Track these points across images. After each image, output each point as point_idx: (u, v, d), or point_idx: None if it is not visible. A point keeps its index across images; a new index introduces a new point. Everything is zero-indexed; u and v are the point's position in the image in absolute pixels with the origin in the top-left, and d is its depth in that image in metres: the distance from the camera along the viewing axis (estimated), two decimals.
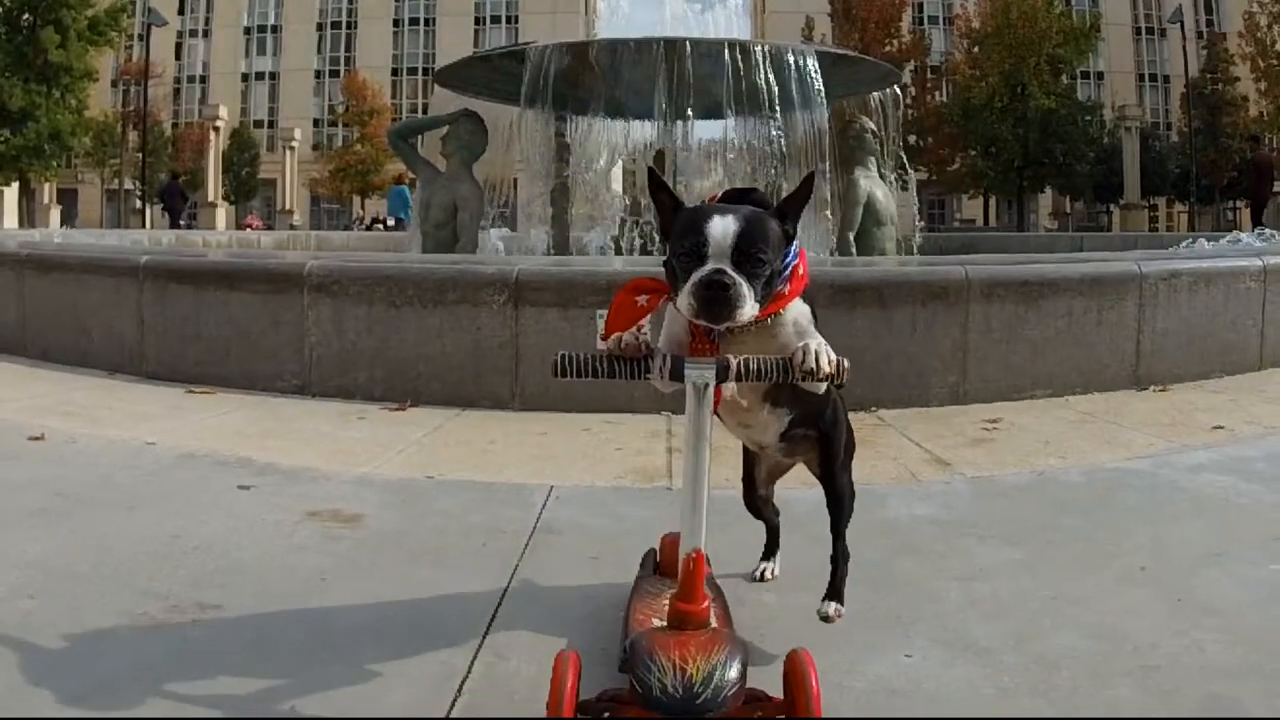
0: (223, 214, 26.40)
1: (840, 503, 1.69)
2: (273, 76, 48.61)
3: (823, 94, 7.07)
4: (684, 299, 1.32)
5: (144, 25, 30.77)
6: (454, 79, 8.42)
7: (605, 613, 1.81)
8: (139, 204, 29.44)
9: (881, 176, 7.58)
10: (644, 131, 8.52)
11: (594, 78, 7.07)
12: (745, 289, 1.31)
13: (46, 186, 28.58)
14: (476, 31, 48.24)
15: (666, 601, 1.42)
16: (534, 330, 3.76)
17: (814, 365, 1.33)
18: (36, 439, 3.15)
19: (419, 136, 8.72)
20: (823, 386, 1.42)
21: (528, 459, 3.04)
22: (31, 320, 5.00)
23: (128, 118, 34.38)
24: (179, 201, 22.25)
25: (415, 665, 1.64)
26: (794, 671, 1.30)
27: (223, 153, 30.32)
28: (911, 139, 29.23)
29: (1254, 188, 17.21)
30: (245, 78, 48.37)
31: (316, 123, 46.58)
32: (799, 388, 1.42)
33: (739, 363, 1.34)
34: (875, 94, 8.36)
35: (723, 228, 1.31)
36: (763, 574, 2.00)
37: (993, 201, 37.04)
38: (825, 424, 1.66)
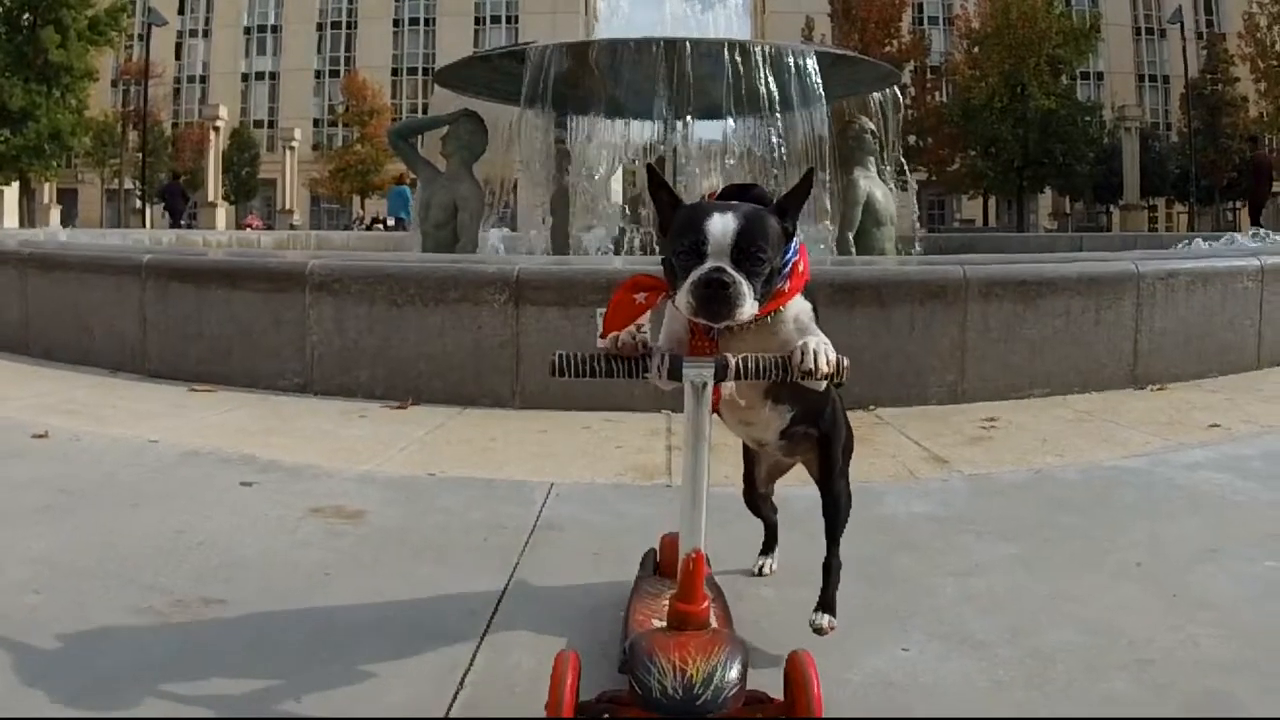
0: (223, 214, 26.41)
1: (836, 508, 1.68)
2: (273, 76, 48.62)
3: (822, 94, 7.08)
4: (683, 297, 1.32)
5: (144, 25, 30.77)
6: (454, 79, 8.43)
7: (605, 610, 1.82)
8: (139, 204, 29.44)
9: (881, 176, 7.60)
10: (644, 133, 8.54)
11: (594, 78, 7.08)
12: (745, 287, 1.30)
13: (46, 186, 28.57)
14: (476, 31, 48.26)
15: (666, 602, 1.42)
16: (534, 329, 3.78)
17: (813, 365, 1.32)
18: (40, 437, 3.17)
19: (419, 136, 8.73)
20: (824, 384, 1.41)
21: (528, 457, 3.06)
22: (34, 319, 5.02)
23: (128, 118, 34.39)
24: (180, 201, 22.27)
25: (417, 660, 1.65)
26: (795, 672, 1.30)
27: (223, 153, 30.33)
28: (911, 139, 29.25)
29: (1253, 188, 17.25)
30: (245, 78, 48.38)
31: (316, 123, 46.59)
32: (800, 384, 1.42)
33: (738, 361, 1.34)
34: (875, 95, 8.37)
35: (722, 225, 1.31)
36: (761, 569, 2.01)
37: (992, 202, 37.06)
38: (825, 423, 1.66)
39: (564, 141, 7.98)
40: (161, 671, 1.59)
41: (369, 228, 23.42)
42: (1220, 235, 9.77)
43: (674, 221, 1.37)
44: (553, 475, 2.80)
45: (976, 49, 31.72)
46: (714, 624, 1.40)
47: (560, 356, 1.36)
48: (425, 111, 26.44)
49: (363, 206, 37.44)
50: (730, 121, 8.06)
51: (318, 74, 48.31)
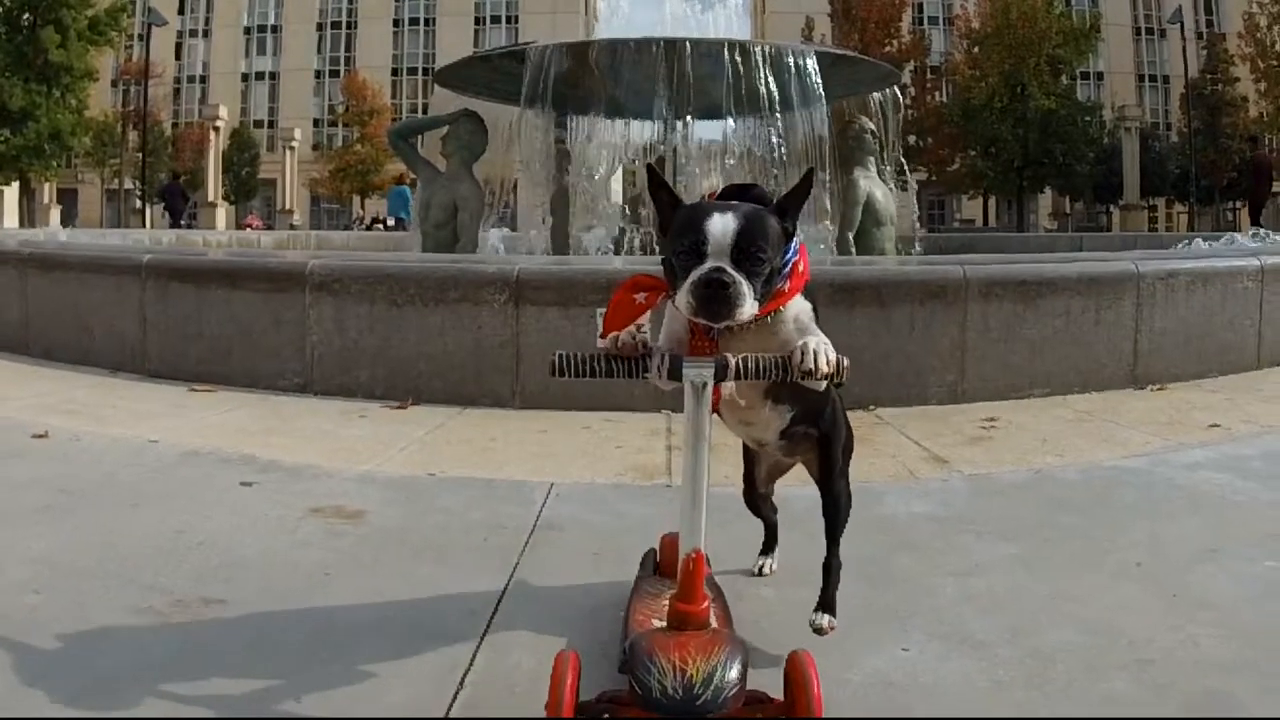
0: (223, 214, 26.41)
1: (836, 508, 1.68)
2: (273, 76, 48.62)
3: (822, 94, 7.08)
4: (683, 297, 1.32)
5: (144, 25, 30.77)
6: (454, 79, 8.43)
7: (605, 610, 1.82)
8: (139, 204, 29.44)
9: (881, 177, 7.60)
10: (644, 133, 8.54)
11: (594, 78, 7.08)
12: (745, 287, 1.30)
13: (46, 186, 28.57)
14: (476, 31, 48.26)
15: (666, 602, 1.42)
16: (535, 329, 3.78)
17: (812, 365, 1.32)
18: (40, 437, 3.17)
19: (419, 136, 8.74)
20: (824, 384, 1.41)
21: (528, 457, 3.06)
22: (34, 319, 5.02)
23: (128, 118, 34.39)
24: (180, 201, 22.28)
25: (417, 659, 1.65)
26: (795, 672, 1.30)
27: (223, 153, 30.34)
28: (911, 139, 29.25)
29: (1252, 188, 17.25)
30: (245, 78, 48.39)
31: (316, 123, 46.59)
32: (800, 384, 1.41)
33: (737, 361, 1.34)
34: (875, 95, 8.37)
35: (722, 225, 1.30)
36: (761, 569, 2.02)
37: (992, 202, 37.07)
38: (825, 423, 1.66)
39: (564, 142, 7.98)
40: (161, 671, 1.59)
41: (369, 228, 23.43)
42: (1220, 235, 9.77)
43: (674, 221, 1.37)
44: (553, 475, 2.80)
45: (976, 49, 31.73)
46: (714, 624, 1.40)
47: (560, 356, 1.36)
48: (425, 111, 26.44)
49: (363, 206, 37.45)
50: (730, 122, 8.07)
51: (318, 74, 48.31)
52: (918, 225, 11.33)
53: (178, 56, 47.21)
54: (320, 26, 48.91)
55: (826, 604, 1.67)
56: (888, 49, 30.76)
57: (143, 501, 2.51)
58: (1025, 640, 1.73)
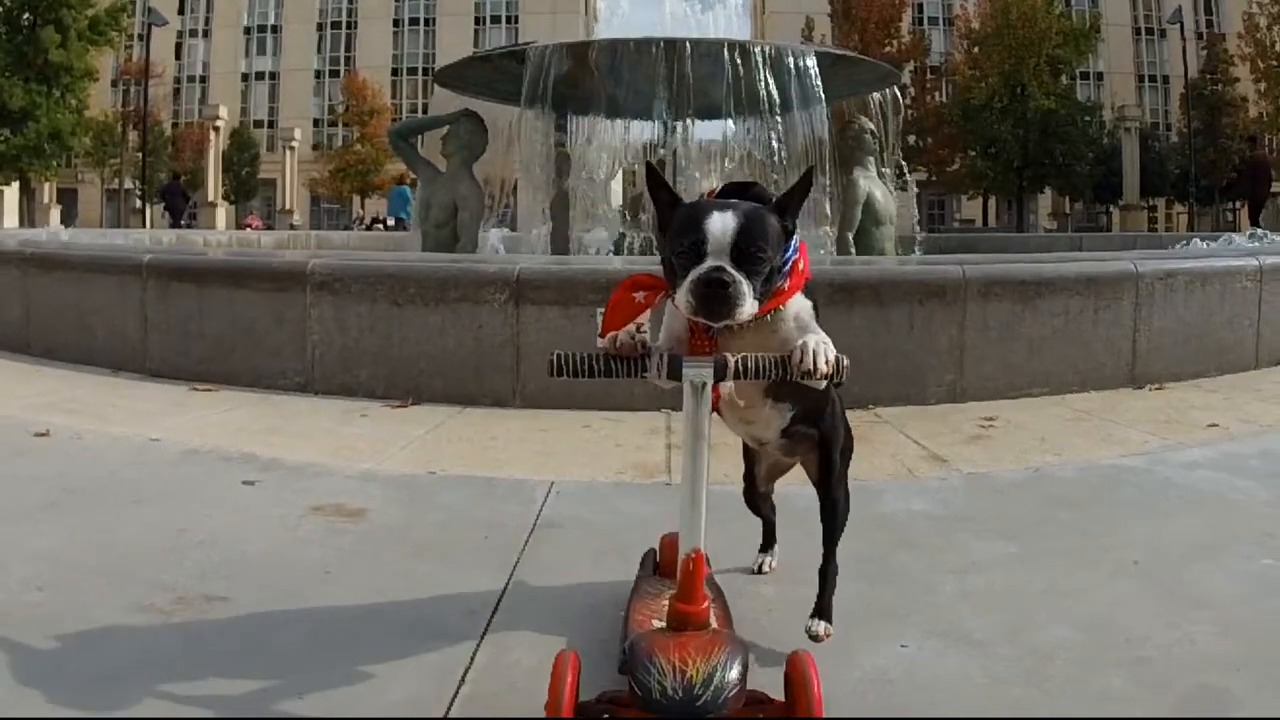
0: (223, 214, 26.44)
1: (834, 512, 1.68)
2: (273, 76, 48.61)
3: (822, 95, 7.09)
4: (682, 296, 1.32)
5: (144, 25, 30.76)
6: (454, 79, 8.44)
7: (605, 608, 1.82)
8: (139, 204, 29.45)
9: (880, 176, 7.61)
10: (644, 133, 8.54)
11: (594, 78, 7.09)
12: (745, 286, 1.30)
13: (46, 186, 28.59)
14: (476, 31, 48.24)
15: (666, 602, 1.42)
16: (535, 328, 3.79)
17: (812, 364, 1.32)
18: (42, 435, 3.18)
19: (419, 136, 8.75)
20: (824, 382, 1.41)
21: (529, 455, 3.07)
22: (35, 318, 5.03)
23: (128, 118, 34.37)
24: (180, 201, 22.30)
25: (417, 658, 1.66)
26: (795, 672, 1.30)
27: (223, 153, 30.36)
28: (911, 139, 29.26)
29: (1251, 189, 17.25)
30: (245, 78, 48.36)
31: (316, 123, 46.57)
32: (800, 383, 1.41)
33: (737, 361, 1.34)
34: (875, 95, 8.37)
35: (721, 224, 1.30)
36: (761, 567, 2.02)
37: (992, 202, 37.06)
38: (825, 425, 1.66)
39: (564, 145, 7.99)
40: (163, 669, 1.60)
41: (369, 228, 23.43)
42: (1219, 235, 9.78)
43: (673, 220, 1.37)
44: (553, 474, 2.81)
45: (976, 49, 31.71)
46: (714, 624, 1.40)
47: (559, 356, 1.36)
48: (425, 111, 26.48)
49: (363, 206, 37.43)
50: (730, 123, 8.08)
51: (318, 74, 48.29)
52: (917, 226, 11.33)
53: (178, 56, 47.17)
54: (320, 26, 48.88)
55: (822, 610, 1.68)
56: (888, 49, 30.75)
57: (144, 500, 2.52)
58: (1023, 637, 1.74)
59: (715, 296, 1.30)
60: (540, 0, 46.86)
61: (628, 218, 8.10)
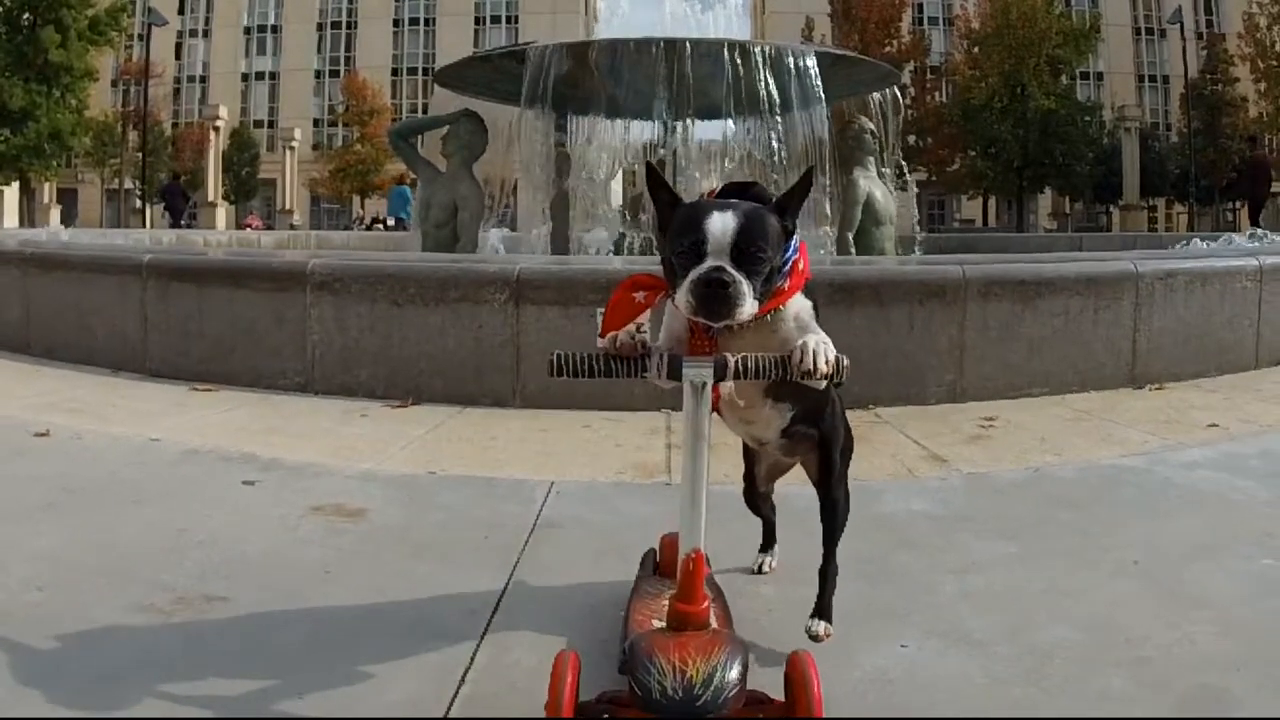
0: (223, 214, 26.45)
1: (834, 513, 1.68)
2: (273, 76, 48.61)
3: (822, 95, 7.09)
4: (682, 296, 1.32)
5: (144, 25, 30.76)
6: (454, 79, 8.44)
7: (606, 608, 1.82)
8: (139, 204, 29.45)
9: (880, 176, 7.61)
10: (644, 133, 8.55)
11: (594, 78, 7.09)
12: (745, 286, 1.30)
13: (46, 186, 28.59)
14: (476, 31, 48.24)
15: (666, 602, 1.42)
16: (535, 328, 3.79)
17: (811, 365, 1.32)
18: (42, 435, 3.18)
19: (419, 136, 8.75)
20: (824, 382, 1.41)
21: (529, 455, 3.07)
22: (35, 318, 5.03)
23: (128, 118, 34.37)
24: (180, 201, 22.31)
25: (417, 657, 1.66)
26: (795, 672, 1.30)
27: (223, 153, 30.36)
28: (911, 139, 29.26)
29: (1251, 189, 17.25)
30: (245, 78, 48.36)
31: (316, 123, 46.57)
32: (800, 383, 1.41)
33: (737, 361, 1.34)
34: (875, 95, 8.38)
35: (721, 224, 1.30)
36: (761, 567, 2.03)
37: (992, 202, 37.07)
38: (825, 425, 1.66)
39: (564, 145, 7.99)
40: (163, 669, 1.60)
41: (369, 228, 23.44)
42: (1219, 235, 9.79)
43: (673, 220, 1.36)
44: (553, 474, 2.81)
45: (976, 49, 31.72)
46: (714, 624, 1.40)
47: (559, 356, 1.36)
48: (425, 111, 26.48)
49: (363, 206, 37.43)
50: (730, 123, 8.08)
51: (318, 74, 48.29)
52: (917, 226, 11.34)
53: (178, 56, 47.17)
54: (320, 26, 48.88)
55: (822, 611, 1.68)
56: (888, 49, 30.75)
57: (144, 500, 2.52)
58: (1023, 637, 1.74)
59: (715, 296, 1.30)
60: (540, 0, 46.87)
61: (628, 218, 8.10)
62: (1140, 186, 27.75)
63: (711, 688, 1.22)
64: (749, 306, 1.31)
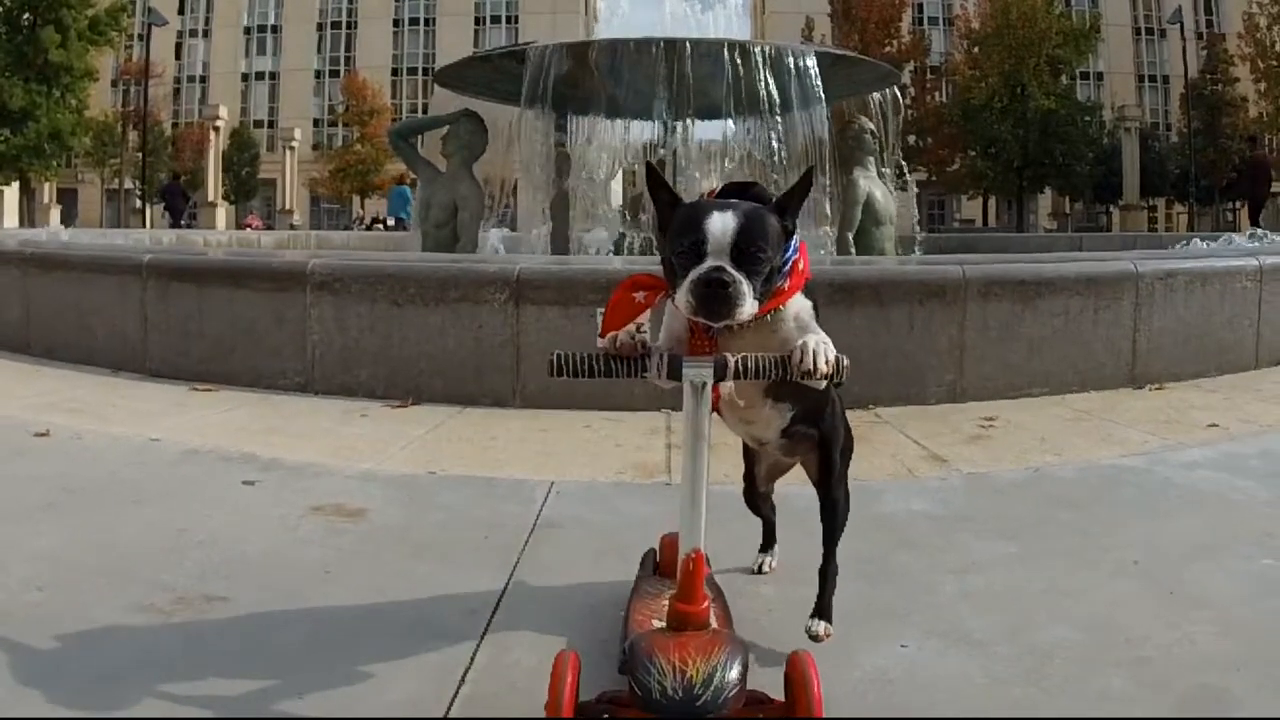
0: (223, 214, 26.45)
1: (834, 513, 1.68)
2: (273, 76, 48.60)
3: (822, 95, 7.09)
4: (682, 296, 1.32)
5: (144, 25, 30.76)
6: (454, 79, 8.44)
7: (606, 608, 1.82)
8: (139, 204, 29.46)
9: (880, 176, 7.61)
10: (644, 133, 8.55)
11: (594, 78, 7.10)
12: (745, 286, 1.30)
13: (46, 186, 28.59)
14: (476, 31, 48.24)
15: (666, 602, 1.42)
16: (535, 328, 3.79)
17: (811, 365, 1.32)
18: (42, 435, 3.18)
19: (419, 136, 8.75)
20: (824, 382, 1.40)
21: (529, 455, 3.07)
22: (35, 318, 5.03)
23: (128, 118, 34.37)
24: (180, 201, 22.32)
25: (418, 657, 1.66)
26: (795, 672, 1.30)
27: (223, 153, 30.36)
28: (911, 139, 29.26)
29: (1251, 189, 17.26)
30: (245, 78, 48.36)
31: (316, 123, 46.57)
32: (800, 383, 1.41)
33: (737, 361, 1.34)
34: (875, 95, 8.38)
35: (722, 224, 1.30)
36: (761, 566, 2.03)
37: (992, 202, 37.07)
38: (825, 425, 1.66)
39: (564, 145, 7.99)
40: (163, 669, 1.60)
41: (369, 228, 23.44)
42: (1219, 235, 9.79)
43: (673, 220, 1.36)
44: (553, 474, 2.81)
45: (976, 49, 31.72)
46: (714, 624, 1.40)
47: (559, 356, 1.36)
48: (425, 111, 26.47)
49: (363, 206, 37.43)
50: (730, 123, 8.08)
51: (318, 74, 48.29)
52: (917, 226, 11.34)
53: (178, 56, 47.17)
54: (320, 26, 48.88)
55: (822, 610, 1.68)
56: (888, 49, 30.75)
57: (145, 500, 2.52)
58: (1023, 637, 1.74)
59: (715, 296, 1.30)
60: (540, 0, 46.86)
61: (628, 218, 8.10)
62: (1140, 186, 27.76)
63: (711, 688, 1.22)
64: (749, 306, 1.31)
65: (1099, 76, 43.15)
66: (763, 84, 6.82)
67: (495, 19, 48.91)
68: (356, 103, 39.38)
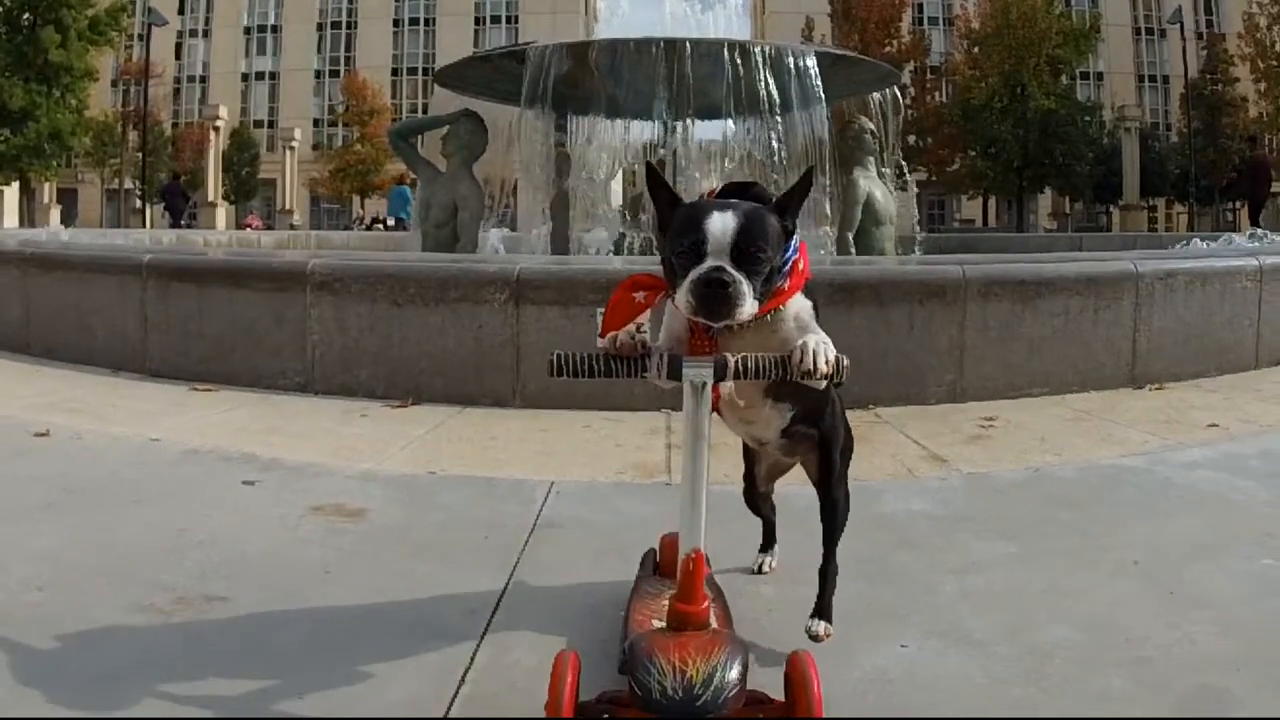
0: (222, 214, 26.46)
1: (834, 514, 1.68)
2: (273, 76, 48.61)
3: (822, 95, 7.09)
4: (682, 296, 1.32)
5: (144, 25, 30.76)
6: (454, 79, 8.44)
7: (606, 608, 1.82)
8: (139, 204, 29.46)
9: (880, 176, 7.61)
10: (644, 133, 8.55)
11: (594, 78, 7.10)
12: (745, 286, 1.30)
13: (46, 186, 28.59)
14: (476, 31, 48.25)
15: (666, 602, 1.41)
16: (535, 328, 3.79)
17: (811, 365, 1.32)
18: (42, 435, 3.18)
19: (419, 136, 8.75)
20: (824, 382, 1.40)
21: (529, 455, 3.07)
22: (35, 318, 5.03)
23: (128, 118, 34.37)
24: (181, 201, 22.33)
25: (418, 657, 1.66)
26: (795, 673, 1.30)
27: (223, 153, 30.36)
28: (911, 139, 29.26)
29: (1251, 189, 17.26)
30: (245, 78, 48.36)
31: (316, 123, 46.57)
32: (800, 383, 1.41)
33: (736, 361, 1.34)
34: (875, 95, 8.38)
35: (722, 224, 1.30)
36: (761, 566, 2.03)
37: (992, 202, 37.08)
38: (825, 425, 1.66)
39: (564, 145, 7.99)
40: (164, 668, 1.60)
41: (369, 228, 23.45)
42: (1219, 235, 9.79)
43: (673, 220, 1.36)
44: (553, 473, 2.81)
45: (976, 49, 31.72)
46: (714, 624, 1.40)
47: (558, 356, 1.36)
48: (425, 111, 26.49)
49: (362, 206, 37.44)
50: (730, 123, 8.08)
51: (318, 74, 48.29)
52: (917, 226, 11.34)
53: (178, 56, 47.16)
54: (320, 26, 48.88)
55: (822, 611, 1.68)
56: (888, 49, 30.76)
57: (145, 500, 2.52)
58: (1023, 637, 1.74)
59: (715, 296, 1.30)
60: (540, 0, 46.86)
61: (628, 218, 8.10)
62: (1140, 186, 27.76)
63: (711, 688, 1.22)
64: (749, 306, 1.31)
65: (1099, 76, 43.16)
66: (763, 84, 6.82)
67: (495, 19, 48.92)
68: (356, 103, 39.38)
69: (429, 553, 2.18)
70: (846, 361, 1.35)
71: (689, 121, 7.79)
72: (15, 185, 24.40)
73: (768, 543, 2.04)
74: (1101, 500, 2.61)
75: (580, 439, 3.28)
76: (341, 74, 45.31)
